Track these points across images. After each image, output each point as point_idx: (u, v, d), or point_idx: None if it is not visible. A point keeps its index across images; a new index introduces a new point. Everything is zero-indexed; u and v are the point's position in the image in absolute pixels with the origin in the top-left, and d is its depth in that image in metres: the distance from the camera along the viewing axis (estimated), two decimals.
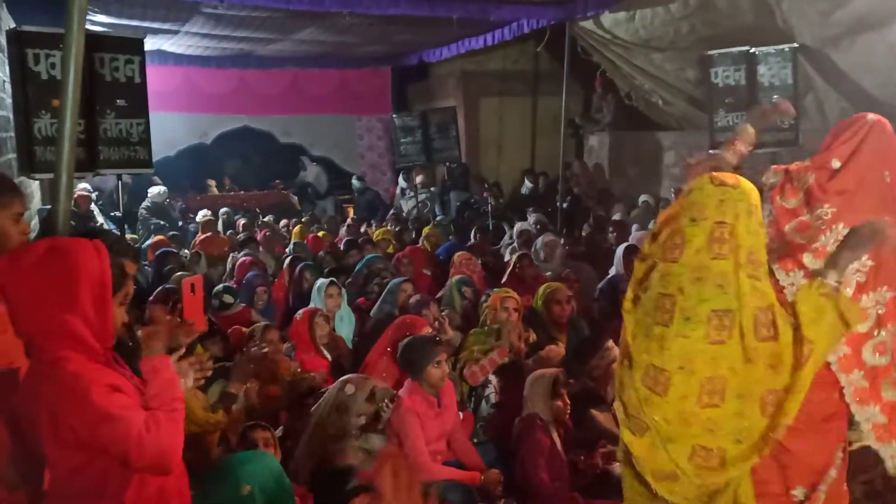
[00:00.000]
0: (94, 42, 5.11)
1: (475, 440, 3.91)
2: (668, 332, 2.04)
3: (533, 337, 4.38)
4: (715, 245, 2.02)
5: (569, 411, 3.44)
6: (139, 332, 3.84)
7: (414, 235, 8.64)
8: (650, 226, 7.49)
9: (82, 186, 8.83)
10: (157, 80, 9.07)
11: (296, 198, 12.40)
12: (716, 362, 2.02)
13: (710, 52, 7.66)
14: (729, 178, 2.11)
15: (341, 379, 3.40)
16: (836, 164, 2.44)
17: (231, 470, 2.49)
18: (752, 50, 7.37)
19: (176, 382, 1.97)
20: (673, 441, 2.07)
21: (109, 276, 1.89)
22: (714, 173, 2.13)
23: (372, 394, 3.24)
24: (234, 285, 5.79)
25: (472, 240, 7.85)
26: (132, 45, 5.39)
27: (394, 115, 11.68)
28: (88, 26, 2.31)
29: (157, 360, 1.97)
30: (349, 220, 9.89)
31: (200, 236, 9.08)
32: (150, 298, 5.16)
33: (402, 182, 12.31)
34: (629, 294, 2.22)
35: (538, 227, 8.20)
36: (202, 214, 10.25)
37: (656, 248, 2.14)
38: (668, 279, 2.07)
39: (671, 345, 2.04)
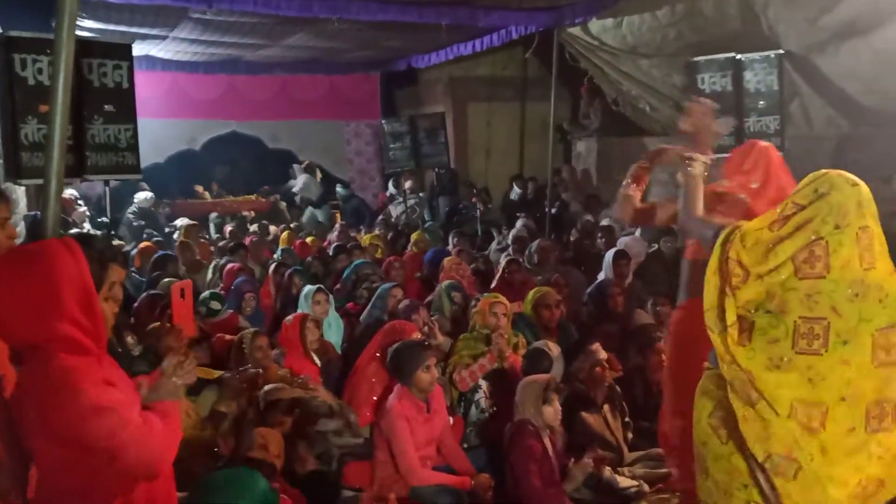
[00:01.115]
0: (83, 47, 5.10)
1: (465, 445, 3.91)
2: (822, 362, 1.80)
3: (523, 341, 4.40)
4: (866, 254, 1.80)
5: (560, 417, 3.45)
6: (128, 338, 3.86)
7: (403, 241, 8.64)
8: (638, 232, 7.56)
9: (68, 192, 8.78)
10: (145, 85, 9.06)
11: (284, 204, 12.35)
12: (886, 385, 1.80)
13: (697, 59, 7.71)
14: (852, 176, 1.90)
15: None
16: (754, 185, 2.77)
17: (216, 489, 2.48)
18: (739, 56, 7.43)
19: (178, 421, 1.97)
20: (833, 477, 1.85)
21: (90, 275, 1.86)
22: (842, 172, 1.94)
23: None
24: (222, 291, 5.77)
25: (451, 245, 7.87)
26: (120, 51, 5.39)
27: (382, 121, 11.69)
28: (76, 31, 2.30)
29: (170, 406, 1.96)
30: (338, 226, 9.87)
31: (181, 241, 9.04)
32: (136, 304, 5.14)
33: (391, 187, 12.31)
34: (729, 320, 1.93)
35: (528, 232, 8.24)
36: (181, 221, 10.21)
37: (780, 263, 1.86)
38: (817, 299, 1.80)
39: (829, 375, 1.80)
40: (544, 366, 3.94)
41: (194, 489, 2.49)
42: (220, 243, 8.09)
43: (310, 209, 12.05)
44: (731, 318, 1.93)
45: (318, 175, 12.87)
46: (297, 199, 12.56)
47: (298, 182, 12.65)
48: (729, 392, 1.98)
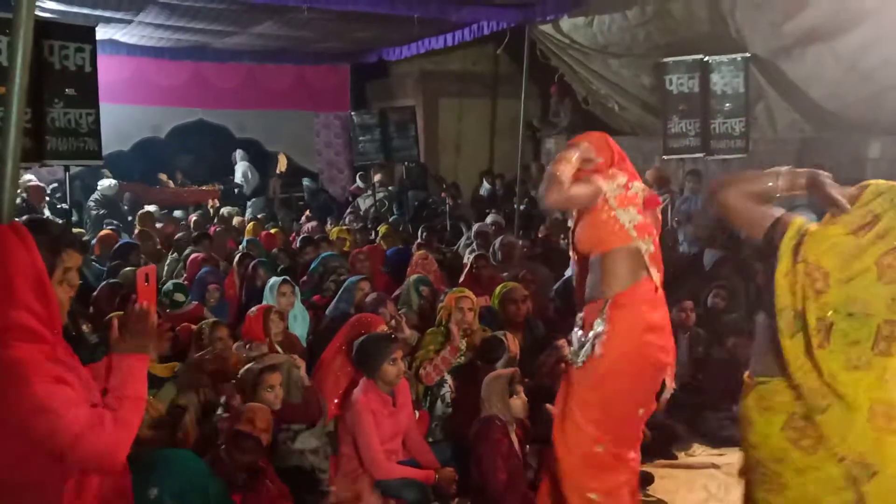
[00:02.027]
0: (44, 28, 4.97)
1: (430, 439, 3.91)
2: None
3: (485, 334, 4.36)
4: None
5: (526, 412, 3.45)
6: (84, 327, 3.77)
7: (372, 234, 8.60)
8: None
9: (27, 178, 8.58)
10: (108, 70, 8.84)
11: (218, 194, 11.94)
12: None
13: (666, 60, 7.81)
14: None
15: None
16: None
17: (141, 471, 2.41)
18: (706, 58, 7.54)
19: (144, 384, 1.92)
20: None
21: (41, 260, 1.81)
22: None
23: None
24: (186, 282, 5.67)
25: (420, 239, 7.86)
26: (83, 34, 5.27)
27: (352, 113, 11.61)
28: (38, 13, 2.23)
29: (136, 360, 1.92)
30: (305, 217, 9.77)
31: (138, 229, 8.88)
32: (95, 293, 5.03)
33: (359, 181, 12.23)
34: (811, 322, 1.95)
35: (494, 227, 8.25)
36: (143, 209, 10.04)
37: (866, 268, 1.92)
38: None
39: None
40: (499, 353, 3.95)
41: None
42: (178, 235, 7.89)
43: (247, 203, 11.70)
44: (812, 320, 1.96)
45: (283, 164, 12.66)
46: (236, 190, 12.30)
47: (237, 171, 12.40)
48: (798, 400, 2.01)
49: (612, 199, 2.77)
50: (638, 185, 2.88)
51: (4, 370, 1.73)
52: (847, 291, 1.93)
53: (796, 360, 1.99)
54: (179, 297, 5.09)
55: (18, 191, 8.47)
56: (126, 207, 10.29)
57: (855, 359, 1.92)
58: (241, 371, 3.46)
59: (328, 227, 9.28)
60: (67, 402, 1.76)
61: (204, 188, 12.20)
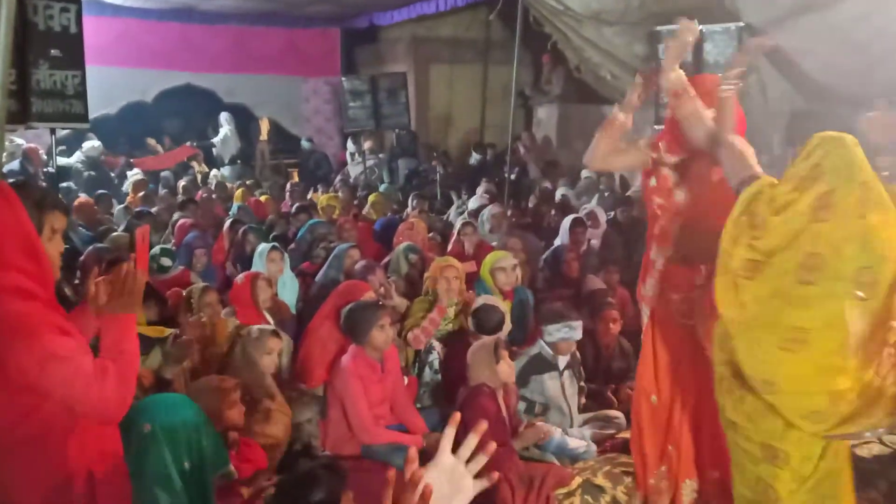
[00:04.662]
0: None
1: (419, 405, 3.95)
2: (813, 290, 2.07)
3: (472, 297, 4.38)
4: (860, 205, 2.06)
5: (514, 376, 3.48)
6: (67, 290, 3.74)
7: (361, 202, 8.57)
8: (594, 202, 7.64)
9: (19, 142, 8.49)
10: (94, 32, 8.66)
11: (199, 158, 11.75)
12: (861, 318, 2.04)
13: (659, 28, 7.73)
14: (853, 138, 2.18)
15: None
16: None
17: (133, 411, 2.41)
18: (700, 27, 7.46)
19: (136, 341, 1.92)
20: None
21: (28, 218, 1.81)
22: (844, 134, 2.19)
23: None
24: (173, 248, 5.65)
25: (410, 207, 7.83)
26: None
27: (343, 78, 11.46)
28: None
29: (127, 318, 1.92)
30: (289, 185, 9.67)
31: (131, 196, 8.82)
32: (82, 258, 5.00)
33: (350, 147, 12.14)
34: (737, 261, 2.20)
35: (488, 196, 8.25)
36: (132, 174, 9.94)
37: (799, 211, 2.13)
38: (821, 240, 2.08)
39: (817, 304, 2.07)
40: (497, 318, 3.97)
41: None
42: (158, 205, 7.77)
43: (221, 168, 11.55)
44: (744, 258, 2.20)
45: (266, 129, 12.52)
46: (214, 153, 12.13)
47: (220, 134, 12.21)
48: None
49: None
50: None
51: (8, 326, 1.73)
52: (782, 232, 2.14)
53: (724, 293, 2.24)
54: (166, 261, 5.07)
55: (14, 153, 8.46)
56: (113, 174, 10.20)
57: (781, 287, 2.13)
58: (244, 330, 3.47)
59: (318, 194, 9.23)
60: (75, 351, 1.78)
61: (182, 148, 11.93)
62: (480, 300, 4.12)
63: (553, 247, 5.87)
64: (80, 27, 5.13)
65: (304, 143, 12.46)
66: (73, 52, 5.10)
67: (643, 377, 3.02)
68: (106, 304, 1.94)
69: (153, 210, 7.22)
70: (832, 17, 6.39)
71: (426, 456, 1.23)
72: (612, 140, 2.91)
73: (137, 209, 6.87)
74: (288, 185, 9.66)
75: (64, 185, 8.20)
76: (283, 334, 3.83)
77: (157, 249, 5.16)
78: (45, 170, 8.49)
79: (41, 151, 8.84)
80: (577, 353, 3.93)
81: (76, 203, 7.35)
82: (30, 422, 1.80)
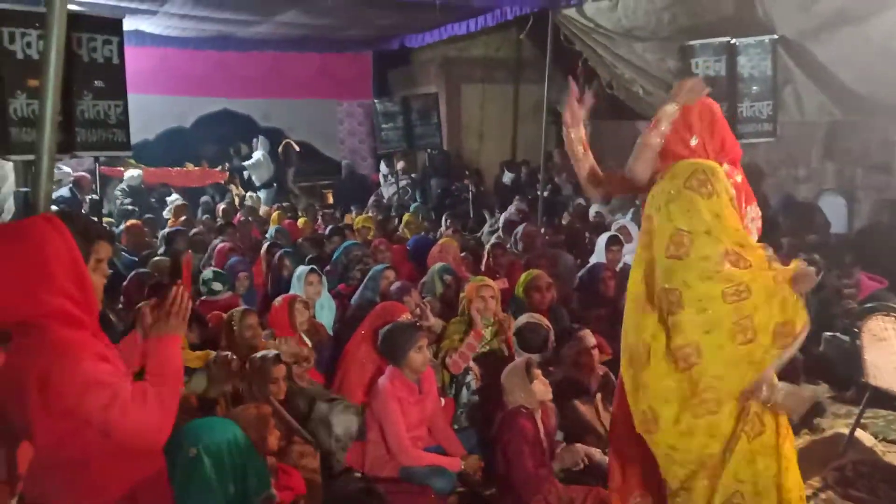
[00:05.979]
0: (72, 21, 4.96)
1: (456, 426, 3.94)
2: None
3: (512, 322, 4.37)
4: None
5: (550, 393, 3.45)
6: (111, 316, 3.82)
7: (396, 223, 8.63)
8: (629, 215, 7.57)
9: (66, 171, 8.76)
10: (134, 60, 8.88)
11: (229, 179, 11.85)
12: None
13: (691, 43, 7.68)
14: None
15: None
16: (694, 141, 2.84)
17: (179, 435, 2.43)
18: (733, 41, 7.40)
19: (181, 363, 1.96)
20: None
21: (76, 247, 1.87)
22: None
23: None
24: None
25: (444, 227, 7.85)
26: (110, 26, 5.29)
27: (375, 101, 11.60)
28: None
29: (171, 340, 1.96)
30: (319, 207, 9.77)
31: (172, 221, 9.00)
32: (125, 283, 5.11)
33: (383, 168, 12.24)
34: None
35: (520, 215, 8.24)
36: (171, 200, 10.14)
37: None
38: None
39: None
40: (542, 336, 3.94)
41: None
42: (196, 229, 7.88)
43: (254, 193, 11.67)
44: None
45: (296, 150, 12.69)
46: (245, 175, 12.25)
47: (253, 157, 12.29)
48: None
49: None
50: None
51: (53, 352, 1.79)
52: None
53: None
54: (217, 285, 5.13)
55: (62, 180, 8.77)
56: (153, 200, 10.42)
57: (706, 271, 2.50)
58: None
59: (352, 215, 9.32)
60: (115, 376, 1.83)
61: (210, 169, 12.09)
62: (524, 318, 4.10)
63: (588, 265, 5.83)
64: (122, 58, 5.26)
65: (345, 163, 12.63)
66: (115, 83, 5.24)
67: None
68: (152, 327, 1.99)
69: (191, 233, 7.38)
70: (869, 28, 6.31)
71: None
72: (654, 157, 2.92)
73: (172, 229, 7.02)
74: (318, 209, 9.76)
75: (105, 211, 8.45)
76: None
77: (209, 273, 5.23)
78: (89, 197, 8.73)
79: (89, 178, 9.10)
80: (611, 375, 3.88)
81: (127, 224, 7.57)
82: (72, 445, 1.85)
